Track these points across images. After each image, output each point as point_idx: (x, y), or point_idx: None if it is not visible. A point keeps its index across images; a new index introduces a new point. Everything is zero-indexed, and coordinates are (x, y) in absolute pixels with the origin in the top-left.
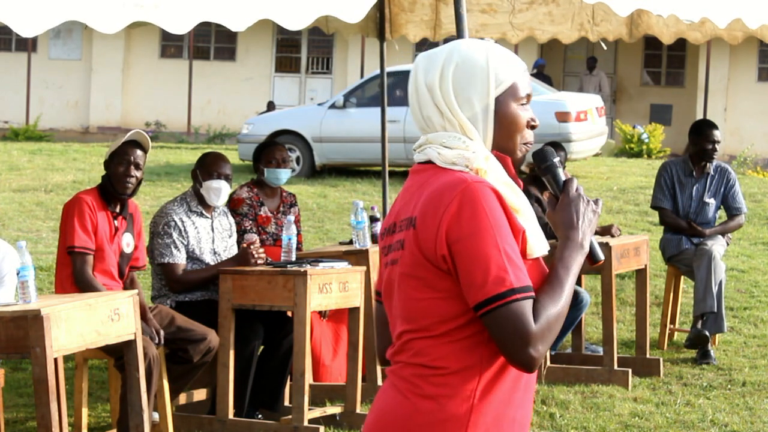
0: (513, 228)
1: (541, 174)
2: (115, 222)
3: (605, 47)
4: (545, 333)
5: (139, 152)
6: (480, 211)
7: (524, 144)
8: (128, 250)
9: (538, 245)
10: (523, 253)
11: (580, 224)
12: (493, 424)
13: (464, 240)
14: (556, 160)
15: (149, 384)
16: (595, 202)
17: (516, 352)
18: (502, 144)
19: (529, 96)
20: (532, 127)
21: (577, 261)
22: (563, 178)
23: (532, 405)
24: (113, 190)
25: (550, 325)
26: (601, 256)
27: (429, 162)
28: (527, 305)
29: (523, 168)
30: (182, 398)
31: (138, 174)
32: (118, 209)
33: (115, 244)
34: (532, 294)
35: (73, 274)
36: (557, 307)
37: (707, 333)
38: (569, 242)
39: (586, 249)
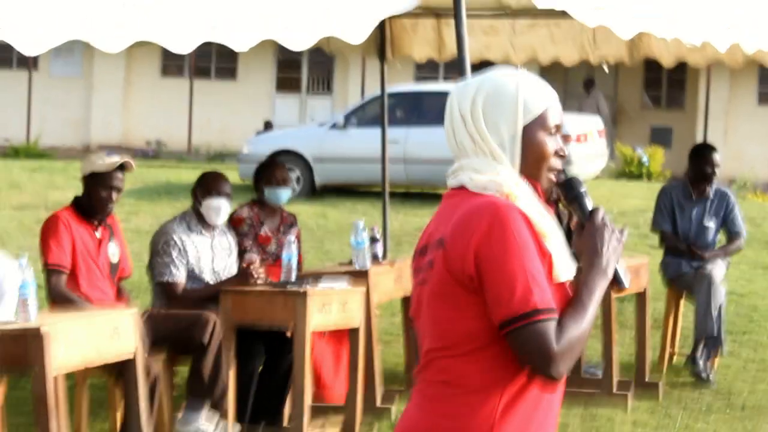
0: (540, 252)
1: (569, 203)
2: (97, 233)
3: (607, 70)
4: (566, 354)
5: (120, 175)
6: (509, 233)
7: (551, 172)
8: (115, 260)
9: (565, 270)
10: (550, 277)
11: (604, 252)
12: None
13: (492, 260)
14: (583, 190)
15: (152, 401)
16: (621, 231)
17: (537, 371)
18: (530, 171)
19: (558, 126)
20: (561, 157)
21: (600, 286)
22: (590, 207)
23: (555, 426)
24: (91, 211)
25: (572, 346)
26: (627, 283)
27: (462, 187)
28: (551, 326)
29: None
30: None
31: (118, 197)
32: (96, 221)
33: (103, 256)
34: (556, 316)
35: (46, 291)
36: (579, 329)
37: (703, 376)
38: (593, 268)
39: (610, 276)
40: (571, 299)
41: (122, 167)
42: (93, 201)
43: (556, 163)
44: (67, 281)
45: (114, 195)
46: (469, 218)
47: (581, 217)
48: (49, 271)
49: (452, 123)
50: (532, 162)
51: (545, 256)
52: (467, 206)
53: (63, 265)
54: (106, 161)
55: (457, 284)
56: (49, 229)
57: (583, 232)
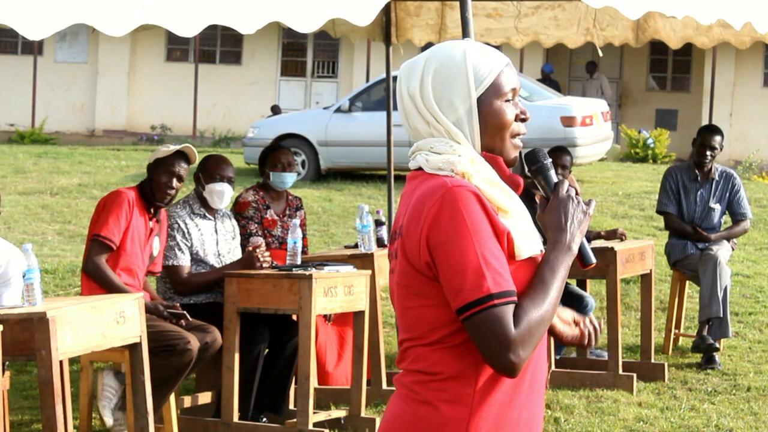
0: (496, 230)
1: (533, 175)
2: (151, 224)
3: (601, 54)
4: (526, 338)
5: (184, 164)
6: (458, 216)
7: (515, 138)
8: (155, 252)
9: (527, 246)
10: (512, 255)
11: (568, 226)
12: (495, 427)
13: (443, 246)
14: (548, 161)
15: (180, 379)
16: (587, 203)
17: (496, 357)
18: (492, 143)
19: (514, 90)
20: (523, 120)
21: (565, 263)
22: (555, 179)
23: (542, 404)
24: (152, 197)
25: (531, 330)
26: (593, 259)
27: (421, 168)
28: (506, 310)
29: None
30: (187, 401)
31: (179, 185)
32: (153, 211)
33: (149, 246)
34: (514, 299)
35: (85, 258)
36: (540, 311)
37: (716, 345)
38: (556, 244)
39: (575, 251)
40: (533, 279)
41: (184, 156)
42: (154, 186)
43: (519, 127)
44: (108, 257)
45: (174, 181)
46: (421, 204)
47: (545, 190)
48: (98, 241)
49: (404, 106)
50: (492, 132)
51: (502, 234)
52: (421, 190)
53: (113, 242)
54: (169, 148)
55: (417, 273)
56: (113, 203)
57: (547, 205)
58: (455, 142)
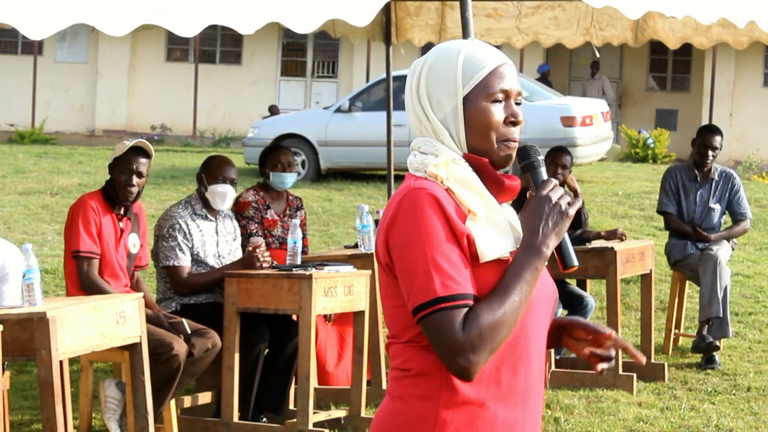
0: (455, 232)
1: (522, 172)
2: (121, 224)
3: (598, 54)
4: (475, 342)
5: (142, 160)
6: (413, 219)
7: (504, 142)
8: (134, 250)
9: (491, 248)
10: (475, 257)
11: (540, 228)
12: (465, 425)
13: (398, 249)
14: (538, 158)
15: (174, 384)
16: (569, 203)
17: (446, 360)
18: (477, 144)
19: (506, 91)
20: (514, 124)
21: (532, 266)
22: (543, 177)
23: (531, 407)
24: (115, 197)
25: (482, 334)
26: (575, 261)
27: None
28: (455, 314)
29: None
30: (187, 401)
31: (140, 181)
32: (122, 211)
33: (122, 246)
34: (466, 302)
35: (79, 278)
36: (494, 314)
37: (716, 343)
38: (526, 247)
39: (546, 254)
40: (497, 282)
41: (142, 151)
42: (116, 186)
43: (507, 131)
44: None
45: (135, 178)
46: (389, 206)
47: (534, 189)
48: (81, 258)
49: (407, 102)
50: (477, 133)
51: (462, 236)
52: (394, 192)
53: (95, 252)
54: (125, 145)
55: (385, 273)
56: (78, 215)
57: (526, 205)
58: (440, 141)
